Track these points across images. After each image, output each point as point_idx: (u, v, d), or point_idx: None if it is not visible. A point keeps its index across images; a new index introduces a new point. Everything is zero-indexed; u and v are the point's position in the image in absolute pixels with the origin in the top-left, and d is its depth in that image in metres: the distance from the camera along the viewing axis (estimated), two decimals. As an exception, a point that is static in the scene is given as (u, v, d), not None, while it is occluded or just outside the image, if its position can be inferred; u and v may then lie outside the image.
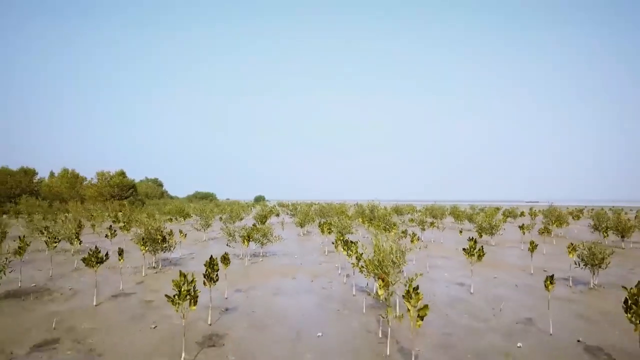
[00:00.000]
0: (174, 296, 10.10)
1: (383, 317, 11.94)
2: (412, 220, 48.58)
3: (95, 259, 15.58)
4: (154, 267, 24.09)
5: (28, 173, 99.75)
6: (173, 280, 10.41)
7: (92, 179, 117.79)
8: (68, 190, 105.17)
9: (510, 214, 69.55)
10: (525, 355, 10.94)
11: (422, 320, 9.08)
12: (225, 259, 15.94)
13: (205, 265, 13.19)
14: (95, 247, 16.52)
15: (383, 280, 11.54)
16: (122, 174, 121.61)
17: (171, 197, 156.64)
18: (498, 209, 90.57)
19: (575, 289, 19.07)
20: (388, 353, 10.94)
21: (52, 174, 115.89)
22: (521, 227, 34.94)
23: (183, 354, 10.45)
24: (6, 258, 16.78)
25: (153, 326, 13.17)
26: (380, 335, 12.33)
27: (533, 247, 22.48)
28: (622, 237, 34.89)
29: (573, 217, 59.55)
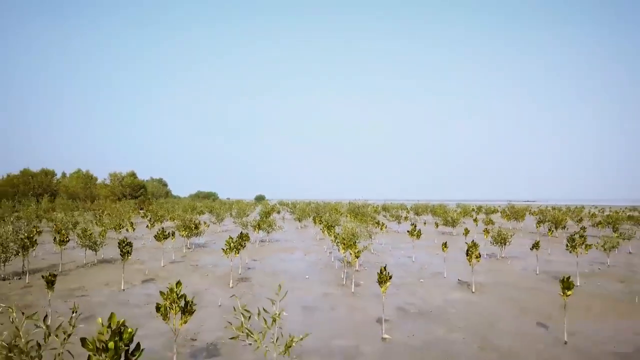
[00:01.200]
0: (226, 249, 18.50)
1: (341, 262, 20.36)
2: (392, 215, 57.20)
3: (162, 235, 23.99)
4: (189, 248, 32.49)
5: (48, 174, 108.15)
6: (226, 240, 18.84)
7: (105, 179, 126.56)
8: (82, 190, 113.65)
9: (487, 211, 78.48)
10: (423, 284, 19.37)
11: (358, 258, 17.44)
12: (247, 236, 24.31)
13: (238, 237, 21.59)
14: (162, 228, 24.93)
15: (344, 244, 19.99)
16: (132, 174, 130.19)
17: (174, 197, 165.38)
18: (480, 207, 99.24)
19: (488, 259, 27.51)
20: (344, 283, 19.41)
21: (64, 175, 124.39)
22: (475, 220, 43.37)
23: (230, 283, 18.86)
24: (101, 236, 25.07)
25: (206, 274, 21.61)
26: (342, 277, 20.78)
27: (466, 232, 30.93)
28: (556, 227, 43.40)
29: (530, 214, 68.66)
